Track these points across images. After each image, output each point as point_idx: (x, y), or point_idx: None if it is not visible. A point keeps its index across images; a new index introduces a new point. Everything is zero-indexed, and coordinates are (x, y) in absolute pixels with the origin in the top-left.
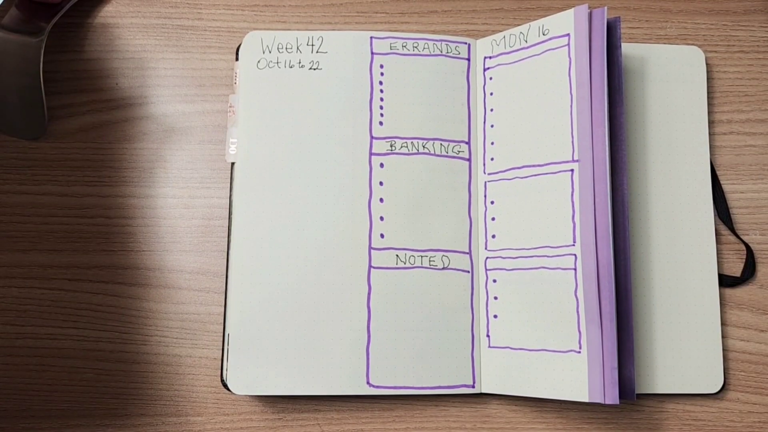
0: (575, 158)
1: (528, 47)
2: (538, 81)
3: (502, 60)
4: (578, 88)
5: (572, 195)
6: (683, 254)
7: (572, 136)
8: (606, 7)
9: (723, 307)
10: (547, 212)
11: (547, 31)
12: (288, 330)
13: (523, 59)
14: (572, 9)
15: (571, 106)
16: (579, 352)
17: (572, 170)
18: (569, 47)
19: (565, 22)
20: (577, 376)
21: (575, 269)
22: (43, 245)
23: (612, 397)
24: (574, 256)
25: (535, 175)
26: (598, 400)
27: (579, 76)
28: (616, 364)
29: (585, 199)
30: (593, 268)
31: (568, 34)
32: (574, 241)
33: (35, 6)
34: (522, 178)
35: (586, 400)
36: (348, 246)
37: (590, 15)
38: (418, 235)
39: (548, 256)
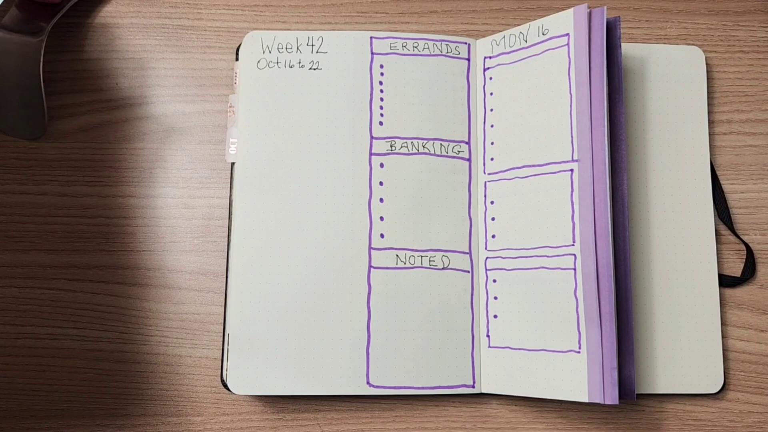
0: (575, 158)
1: (528, 47)
2: (537, 81)
3: (502, 60)
4: (578, 88)
5: (572, 195)
6: (683, 254)
7: (572, 136)
8: (605, 7)
9: (723, 307)
10: (546, 212)
11: (546, 31)
12: (288, 330)
13: (522, 59)
14: (572, 9)
15: (571, 106)
16: (579, 352)
17: (572, 170)
18: (569, 47)
19: (565, 21)
20: (576, 376)
21: (575, 269)
22: (43, 245)
23: (612, 397)
24: (573, 256)
25: (535, 175)
26: (598, 400)
27: (578, 76)
28: (615, 365)
29: (585, 199)
30: (593, 268)
31: (567, 34)
32: (574, 241)
33: (35, 6)
34: (522, 178)
35: (585, 400)
36: (348, 246)
37: (590, 15)
38: (418, 235)
39: (548, 256)
